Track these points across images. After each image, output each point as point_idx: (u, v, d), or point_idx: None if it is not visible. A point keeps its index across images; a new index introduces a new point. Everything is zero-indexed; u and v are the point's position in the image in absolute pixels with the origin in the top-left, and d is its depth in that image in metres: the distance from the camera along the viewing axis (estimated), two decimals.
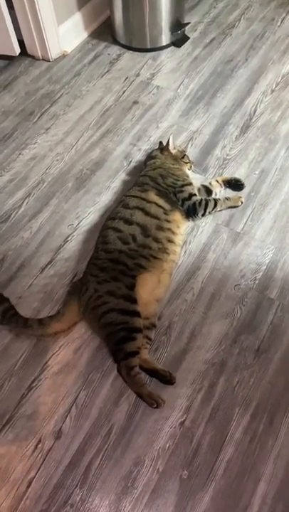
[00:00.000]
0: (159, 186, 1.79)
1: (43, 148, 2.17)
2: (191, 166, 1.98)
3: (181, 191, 1.78)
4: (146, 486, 1.31)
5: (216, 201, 1.83)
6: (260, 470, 1.33)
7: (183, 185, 1.81)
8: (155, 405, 1.42)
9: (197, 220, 1.84)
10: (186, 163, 1.96)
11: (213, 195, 1.91)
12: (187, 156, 1.98)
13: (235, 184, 1.94)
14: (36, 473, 1.33)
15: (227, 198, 1.88)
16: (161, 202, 1.74)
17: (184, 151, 2.00)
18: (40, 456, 1.36)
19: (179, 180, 1.82)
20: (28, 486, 1.31)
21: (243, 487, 1.31)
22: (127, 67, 2.52)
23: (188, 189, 1.80)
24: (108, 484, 1.32)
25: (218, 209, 1.86)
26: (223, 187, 1.95)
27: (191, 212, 1.78)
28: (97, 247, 1.69)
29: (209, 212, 1.83)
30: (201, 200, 1.80)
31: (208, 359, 1.53)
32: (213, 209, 1.82)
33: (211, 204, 1.81)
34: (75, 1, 2.54)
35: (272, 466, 1.34)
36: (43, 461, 1.35)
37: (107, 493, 1.30)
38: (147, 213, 1.69)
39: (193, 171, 2.01)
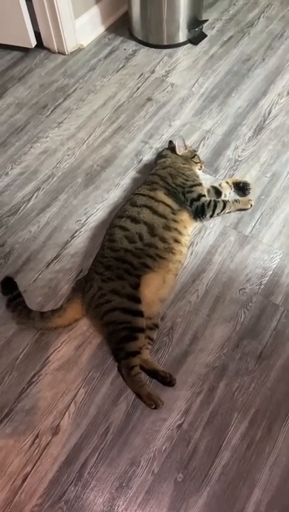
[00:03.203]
0: (168, 186, 1.77)
1: (55, 142, 2.17)
2: (201, 166, 1.97)
3: (190, 191, 1.77)
4: (141, 487, 1.31)
5: (224, 203, 1.82)
6: (255, 477, 1.33)
7: (192, 186, 1.79)
8: (154, 406, 1.42)
9: (205, 221, 1.83)
10: (197, 163, 1.94)
11: (223, 197, 1.89)
12: (198, 156, 1.96)
13: (242, 187, 1.91)
14: (32, 468, 1.34)
15: (236, 201, 1.86)
16: (169, 201, 1.73)
17: (195, 151, 1.98)
18: (37, 451, 1.37)
19: (188, 181, 1.81)
20: (24, 480, 1.32)
21: (237, 493, 1.30)
22: (143, 63, 2.50)
23: (198, 189, 1.79)
24: (103, 483, 1.32)
25: (227, 211, 1.84)
26: (233, 189, 1.93)
27: (199, 213, 1.76)
28: (103, 245, 1.69)
29: (218, 214, 1.81)
30: (210, 201, 1.78)
31: (210, 362, 1.52)
32: (221, 211, 1.81)
33: (220, 206, 1.80)
34: None
35: (268, 474, 1.33)
36: (39, 457, 1.36)
37: (101, 491, 1.31)
38: (155, 212, 1.68)
39: (203, 171, 1.99)
